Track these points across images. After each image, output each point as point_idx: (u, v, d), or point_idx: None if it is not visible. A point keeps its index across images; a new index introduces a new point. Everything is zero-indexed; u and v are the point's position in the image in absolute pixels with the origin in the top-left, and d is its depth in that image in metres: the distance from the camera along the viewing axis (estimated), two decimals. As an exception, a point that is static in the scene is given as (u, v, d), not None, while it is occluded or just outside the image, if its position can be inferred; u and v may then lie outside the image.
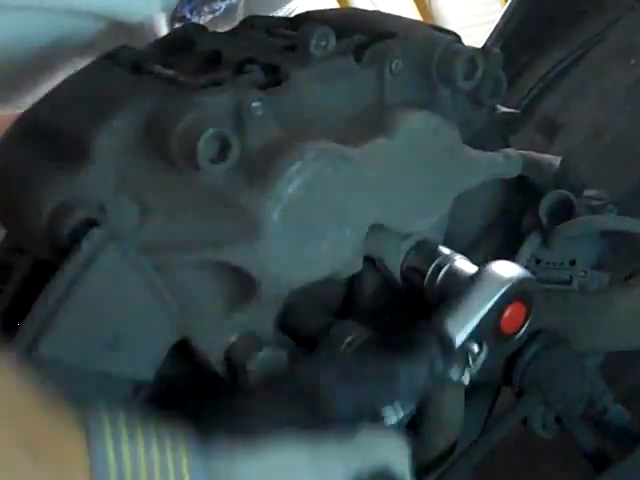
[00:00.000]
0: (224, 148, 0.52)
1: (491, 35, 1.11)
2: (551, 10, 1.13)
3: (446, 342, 0.57)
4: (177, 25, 0.76)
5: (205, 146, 0.51)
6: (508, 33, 1.13)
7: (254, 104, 0.54)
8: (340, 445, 0.50)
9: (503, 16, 1.14)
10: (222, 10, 0.79)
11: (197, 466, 0.44)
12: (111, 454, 0.42)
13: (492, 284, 0.60)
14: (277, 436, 0.48)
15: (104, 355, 0.52)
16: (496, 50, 0.66)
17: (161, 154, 0.52)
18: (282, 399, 0.50)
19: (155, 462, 0.43)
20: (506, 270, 0.61)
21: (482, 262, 0.64)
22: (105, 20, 0.73)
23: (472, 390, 0.72)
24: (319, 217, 0.55)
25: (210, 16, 0.79)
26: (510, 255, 0.71)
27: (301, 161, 0.53)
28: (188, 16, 0.77)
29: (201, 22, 0.77)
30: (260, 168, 0.53)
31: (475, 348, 0.59)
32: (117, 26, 0.73)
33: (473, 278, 0.61)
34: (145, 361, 0.54)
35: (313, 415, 0.51)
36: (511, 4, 1.15)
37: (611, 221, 0.72)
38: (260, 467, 0.47)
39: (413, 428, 0.66)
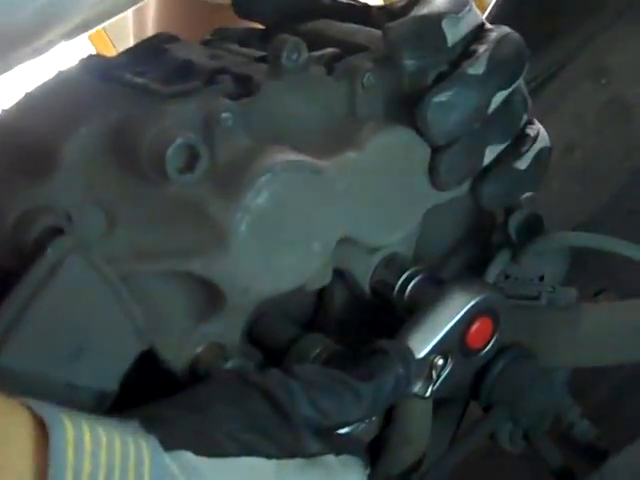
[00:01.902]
0: (193, 158, 0.51)
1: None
2: (524, 29, 1.14)
3: (408, 358, 0.58)
4: None
5: (173, 156, 0.51)
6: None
7: (224, 115, 0.53)
8: (302, 468, 0.50)
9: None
10: None
11: (158, 460, 0.44)
12: (70, 431, 0.41)
13: (459, 299, 0.60)
14: (243, 442, 0.48)
15: (68, 366, 0.51)
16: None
17: (129, 163, 0.52)
18: (246, 404, 0.50)
19: (116, 449, 0.42)
20: (473, 285, 0.62)
21: (451, 277, 0.64)
22: None
23: (440, 404, 0.72)
24: (288, 229, 0.55)
25: None
26: (480, 271, 0.72)
27: (270, 172, 0.53)
28: None
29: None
30: (229, 179, 0.53)
31: (440, 362, 0.60)
32: None
33: (440, 292, 0.61)
34: (110, 372, 0.53)
35: (278, 428, 0.51)
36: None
37: (580, 238, 0.72)
38: (223, 468, 0.46)
39: (380, 442, 0.66)
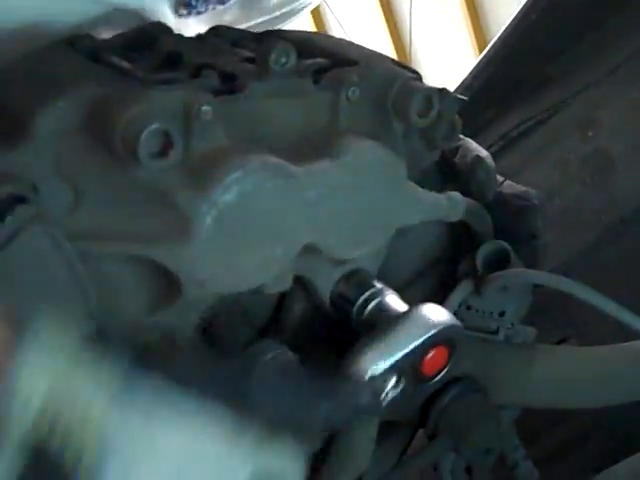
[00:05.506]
0: (167, 145, 0.51)
1: (457, 89, 1.13)
2: (518, 72, 1.16)
3: (372, 387, 0.57)
4: (182, 12, 0.72)
5: (147, 140, 0.50)
6: (475, 89, 1.15)
7: (204, 108, 0.53)
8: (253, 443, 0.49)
9: (471, 73, 1.16)
10: (232, 3, 0.73)
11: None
12: None
13: (419, 326, 0.60)
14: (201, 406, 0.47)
15: None
16: (453, 94, 0.67)
17: (103, 142, 0.52)
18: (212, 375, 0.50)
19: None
20: (435, 314, 0.61)
21: (414, 302, 0.64)
22: (104, 3, 0.67)
23: (388, 428, 0.72)
24: (252, 228, 0.55)
25: (219, 7, 0.73)
26: (442, 298, 0.72)
27: (242, 170, 0.53)
28: (194, 3, 0.72)
29: (208, 10, 0.72)
30: (201, 171, 0.53)
31: (391, 382, 0.59)
32: (117, 10, 0.68)
33: (402, 317, 0.61)
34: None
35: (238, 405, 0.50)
36: (479, 63, 1.17)
37: (543, 277, 0.72)
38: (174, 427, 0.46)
39: (322, 454, 0.66)
